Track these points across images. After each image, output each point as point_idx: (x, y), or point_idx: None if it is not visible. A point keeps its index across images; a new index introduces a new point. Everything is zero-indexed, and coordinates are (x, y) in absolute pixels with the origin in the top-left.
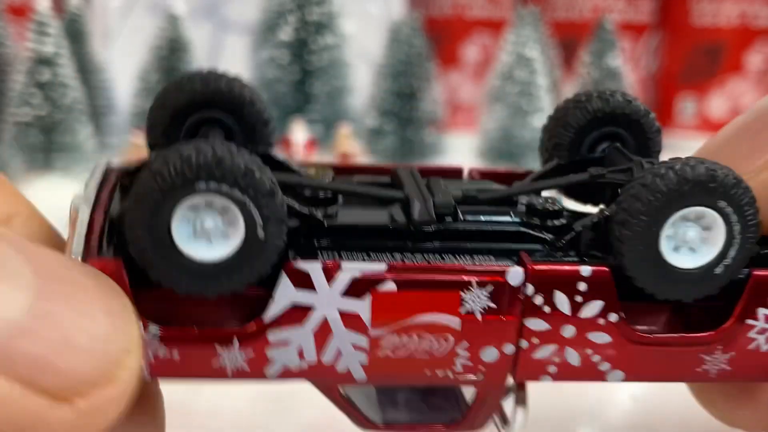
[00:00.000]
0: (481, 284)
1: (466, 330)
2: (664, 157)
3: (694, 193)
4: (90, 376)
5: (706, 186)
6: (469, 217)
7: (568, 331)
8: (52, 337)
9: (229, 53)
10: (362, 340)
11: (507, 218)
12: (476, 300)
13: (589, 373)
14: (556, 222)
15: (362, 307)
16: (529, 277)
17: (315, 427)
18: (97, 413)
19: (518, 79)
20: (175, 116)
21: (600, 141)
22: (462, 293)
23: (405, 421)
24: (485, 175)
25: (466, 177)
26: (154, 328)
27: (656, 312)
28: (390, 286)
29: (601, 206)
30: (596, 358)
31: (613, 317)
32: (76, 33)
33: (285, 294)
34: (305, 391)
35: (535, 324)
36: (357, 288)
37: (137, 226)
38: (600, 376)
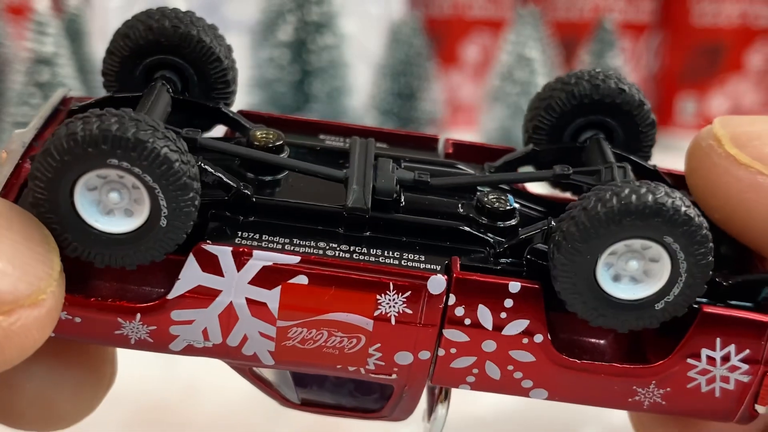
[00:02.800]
0: (399, 289)
1: (378, 332)
2: (661, 155)
3: (637, 225)
4: (12, 296)
5: (651, 219)
6: (413, 207)
7: (489, 346)
8: None
9: None
10: (270, 329)
11: (453, 211)
12: (392, 304)
13: (510, 387)
14: (504, 223)
15: (271, 298)
16: (453, 287)
17: (315, 428)
18: (20, 332)
19: (518, 79)
20: (124, 62)
21: (585, 128)
22: (378, 296)
23: (322, 403)
24: (459, 148)
25: (441, 148)
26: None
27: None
28: (302, 280)
29: (546, 221)
30: (518, 374)
31: (538, 338)
32: (75, 33)
33: (191, 275)
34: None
35: (454, 335)
36: (267, 278)
37: (40, 188)
38: (522, 392)
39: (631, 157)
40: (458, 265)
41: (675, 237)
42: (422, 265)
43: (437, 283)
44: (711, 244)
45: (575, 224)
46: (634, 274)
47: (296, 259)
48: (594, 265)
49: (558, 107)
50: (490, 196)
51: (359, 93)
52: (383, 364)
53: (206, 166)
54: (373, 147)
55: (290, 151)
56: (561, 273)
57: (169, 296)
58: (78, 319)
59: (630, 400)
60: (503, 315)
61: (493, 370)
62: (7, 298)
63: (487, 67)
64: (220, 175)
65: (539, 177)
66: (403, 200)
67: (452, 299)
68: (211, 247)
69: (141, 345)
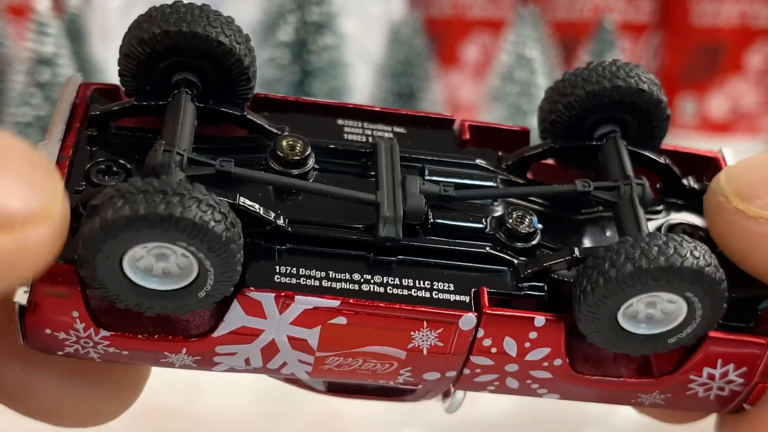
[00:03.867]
0: (433, 326)
1: (410, 359)
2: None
3: (662, 284)
4: (25, 211)
5: (677, 280)
6: (439, 224)
7: (511, 367)
8: None
9: None
10: (308, 358)
11: (478, 225)
12: (425, 339)
13: (526, 392)
14: (526, 244)
15: (311, 335)
16: (482, 322)
17: (315, 427)
18: (35, 247)
19: (518, 79)
20: (141, 65)
21: (602, 122)
22: (412, 333)
23: (348, 386)
24: (476, 132)
25: (457, 130)
26: (102, 333)
27: None
28: (340, 320)
29: (569, 251)
30: (535, 386)
31: (557, 362)
32: (76, 33)
33: (236, 318)
34: (305, 395)
35: (480, 360)
36: (308, 319)
37: (87, 254)
38: (537, 395)
39: (645, 153)
40: (487, 299)
41: (695, 292)
42: (452, 297)
43: (468, 321)
44: (727, 293)
45: (603, 280)
46: (652, 315)
47: (336, 303)
48: (617, 312)
49: (578, 105)
50: (515, 216)
51: (359, 93)
52: (412, 379)
53: (245, 205)
54: (398, 152)
55: (315, 155)
56: (585, 317)
57: (214, 335)
58: (126, 352)
59: (633, 400)
60: (527, 344)
61: (512, 383)
62: (20, 213)
63: (487, 67)
64: (258, 211)
65: (561, 191)
66: (431, 216)
67: (481, 332)
68: (254, 294)
69: (185, 367)
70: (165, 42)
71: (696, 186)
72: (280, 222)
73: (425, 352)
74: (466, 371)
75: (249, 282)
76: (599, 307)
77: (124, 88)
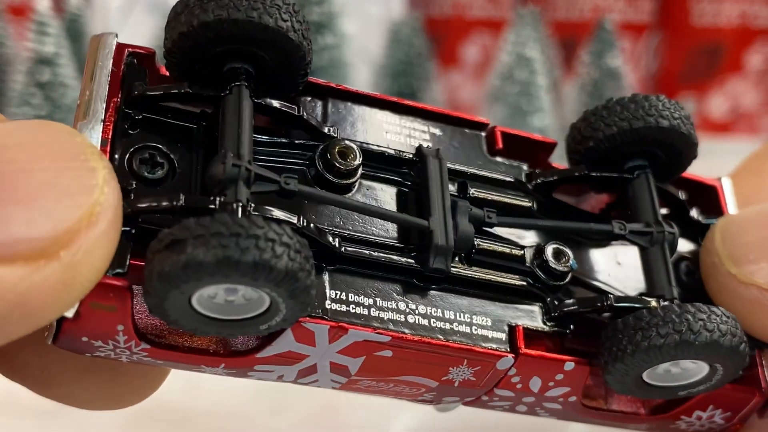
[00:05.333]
0: (471, 364)
1: (440, 388)
2: None
3: (689, 354)
4: (63, 226)
5: (703, 351)
6: (483, 252)
7: (528, 399)
8: (4, 201)
9: None
10: (342, 380)
11: (517, 254)
12: (460, 374)
13: (528, 414)
14: (561, 282)
15: (353, 363)
16: (517, 363)
17: (315, 426)
18: (86, 258)
19: (518, 79)
20: (196, 49)
21: (634, 155)
22: (450, 368)
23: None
24: (508, 142)
25: (488, 134)
26: (143, 345)
27: None
28: (386, 353)
29: (603, 298)
30: (541, 411)
31: (572, 398)
32: (76, 33)
33: (285, 342)
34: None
35: (503, 392)
36: (355, 349)
37: (154, 293)
38: (536, 415)
39: (668, 191)
40: (523, 340)
41: (724, 363)
42: (490, 333)
43: (506, 362)
44: (747, 361)
45: (636, 348)
46: (673, 373)
47: (387, 338)
48: (641, 372)
49: (620, 138)
50: (553, 251)
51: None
52: (431, 399)
53: (309, 233)
54: (446, 169)
55: (363, 161)
56: (616, 372)
57: (258, 355)
58: (161, 362)
59: (620, 425)
60: (551, 383)
61: (521, 408)
62: (59, 232)
63: (487, 67)
64: (320, 238)
65: (599, 230)
66: (476, 244)
67: (513, 371)
68: (309, 324)
69: (215, 373)
70: (231, 30)
71: (700, 219)
72: (338, 245)
73: (456, 384)
74: (485, 397)
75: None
76: (633, 368)
77: (165, 62)
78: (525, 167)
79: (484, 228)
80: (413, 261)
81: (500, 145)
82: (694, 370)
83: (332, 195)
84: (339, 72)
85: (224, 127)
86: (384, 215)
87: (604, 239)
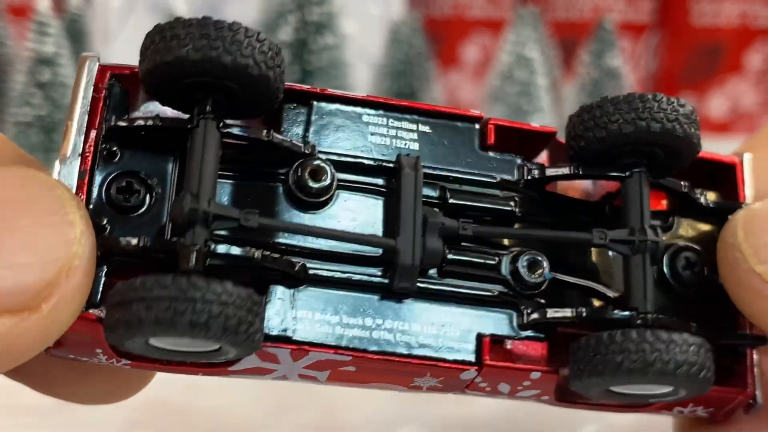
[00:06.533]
0: (435, 374)
1: (410, 391)
2: None
3: (644, 379)
4: (43, 282)
5: (658, 378)
6: (454, 263)
7: (499, 398)
8: None
9: None
10: (315, 383)
11: (490, 263)
12: (426, 382)
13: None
14: (535, 292)
15: (321, 375)
16: (481, 373)
17: (315, 427)
18: (64, 307)
19: (518, 79)
20: (163, 82)
21: (629, 153)
22: (415, 378)
23: None
24: (501, 134)
25: (482, 128)
26: (124, 361)
27: None
28: (350, 368)
29: (575, 312)
30: (520, 397)
31: (544, 398)
32: (76, 33)
33: (250, 361)
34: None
35: (472, 393)
36: (319, 365)
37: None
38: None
39: (667, 186)
40: (489, 351)
41: (680, 387)
42: (456, 345)
43: (469, 373)
44: (713, 380)
45: (593, 371)
46: (642, 386)
47: (347, 358)
48: (606, 389)
49: (611, 141)
50: (527, 261)
51: (359, 93)
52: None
53: (268, 263)
54: (421, 178)
55: (340, 168)
56: (579, 387)
57: (231, 368)
58: (146, 370)
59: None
60: (520, 388)
61: (501, 396)
62: (41, 286)
63: (487, 67)
64: (281, 267)
65: (578, 239)
66: (447, 256)
67: (479, 379)
68: (271, 349)
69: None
70: (192, 68)
71: (711, 204)
72: (301, 270)
73: (424, 389)
74: (458, 392)
75: (268, 328)
76: (598, 384)
77: (144, 86)
78: (519, 161)
79: (458, 239)
80: (381, 276)
81: (492, 140)
82: (659, 386)
83: (294, 224)
84: (339, 72)
85: (189, 162)
86: (349, 239)
87: (585, 247)
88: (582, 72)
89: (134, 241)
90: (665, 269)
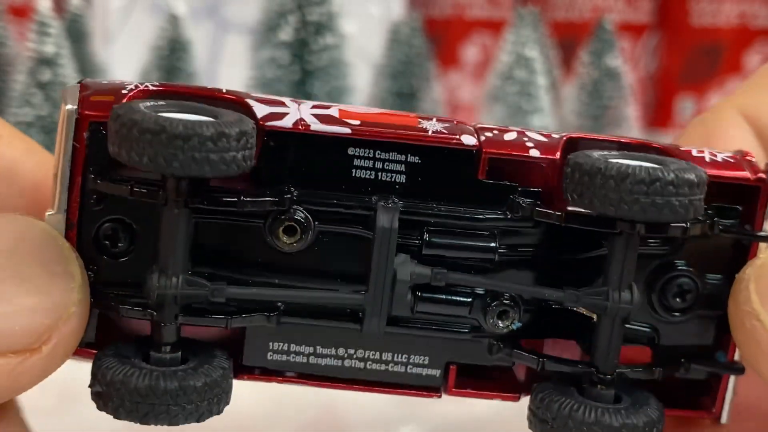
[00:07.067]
0: (403, 393)
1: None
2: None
3: None
4: (45, 326)
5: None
6: (424, 307)
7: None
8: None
9: (229, 53)
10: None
11: (462, 310)
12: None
13: None
14: (501, 323)
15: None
16: (447, 394)
17: (315, 427)
18: (62, 348)
19: (518, 79)
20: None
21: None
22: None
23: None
24: (498, 162)
25: (477, 158)
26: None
27: None
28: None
29: (538, 360)
30: None
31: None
32: (76, 33)
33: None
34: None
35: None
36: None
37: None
38: None
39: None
40: (454, 380)
41: None
42: (425, 371)
43: (435, 398)
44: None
45: (554, 418)
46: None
47: (317, 387)
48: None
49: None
50: (498, 309)
51: (359, 93)
52: None
53: (241, 324)
54: (396, 230)
55: (317, 217)
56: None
57: None
58: None
59: None
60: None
61: None
62: (43, 329)
63: (487, 67)
64: (251, 324)
65: (552, 296)
66: (416, 306)
67: (446, 397)
68: (247, 381)
69: None
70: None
71: (720, 227)
72: (274, 313)
73: None
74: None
75: (245, 360)
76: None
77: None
78: (514, 190)
79: (430, 289)
80: (351, 322)
81: (482, 175)
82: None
83: (261, 290)
84: (339, 72)
85: (161, 238)
86: (318, 301)
87: (557, 305)
88: (582, 72)
89: (119, 292)
90: (654, 297)
